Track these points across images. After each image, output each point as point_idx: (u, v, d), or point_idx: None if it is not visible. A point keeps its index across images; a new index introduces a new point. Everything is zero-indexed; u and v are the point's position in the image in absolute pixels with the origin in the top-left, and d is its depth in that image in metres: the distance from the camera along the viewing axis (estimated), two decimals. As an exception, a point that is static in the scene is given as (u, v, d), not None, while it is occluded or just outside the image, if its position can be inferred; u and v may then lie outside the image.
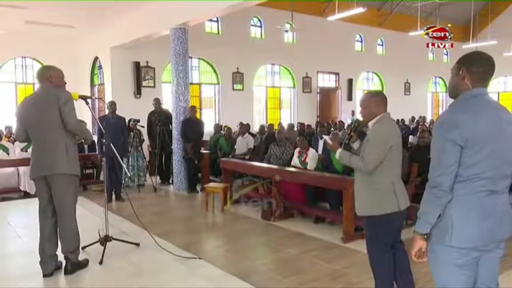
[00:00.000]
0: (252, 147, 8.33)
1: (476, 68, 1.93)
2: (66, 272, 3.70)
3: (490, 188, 1.87)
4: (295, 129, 11.43)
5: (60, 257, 3.77)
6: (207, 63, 12.85)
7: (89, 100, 4.01)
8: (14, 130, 8.73)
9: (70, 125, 3.58)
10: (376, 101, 2.91)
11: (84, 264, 3.86)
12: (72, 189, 3.70)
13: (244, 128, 8.68)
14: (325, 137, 3.37)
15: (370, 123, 2.94)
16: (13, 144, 7.99)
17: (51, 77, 3.68)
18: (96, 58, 11.94)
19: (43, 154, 3.61)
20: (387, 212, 2.83)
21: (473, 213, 1.86)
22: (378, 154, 2.78)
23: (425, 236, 1.97)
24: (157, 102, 8.53)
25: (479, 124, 1.83)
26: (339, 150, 3.03)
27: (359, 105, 3.08)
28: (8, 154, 7.71)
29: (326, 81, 16.03)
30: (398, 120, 13.12)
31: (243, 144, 8.32)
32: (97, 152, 7.49)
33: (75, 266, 3.74)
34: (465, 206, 1.87)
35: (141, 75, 11.25)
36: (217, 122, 12.32)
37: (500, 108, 1.96)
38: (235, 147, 8.35)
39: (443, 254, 1.92)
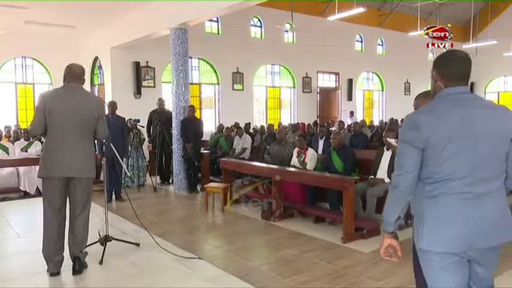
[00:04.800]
0: (247, 147, 8.34)
1: (448, 69, 1.88)
2: (75, 272, 3.67)
3: (465, 190, 1.77)
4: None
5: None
6: (207, 63, 12.85)
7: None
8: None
9: (101, 135, 3.78)
10: (429, 101, 2.77)
11: (85, 264, 3.86)
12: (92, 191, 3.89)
13: (241, 130, 8.66)
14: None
15: None
16: (13, 144, 7.99)
17: (85, 80, 3.82)
18: (96, 58, 11.94)
19: (69, 154, 3.54)
20: None
21: (446, 216, 1.78)
22: None
23: (393, 235, 1.93)
24: (161, 102, 8.53)
25: (444, 124, 1.77)
26: None
27: (413, 108, 2.75)
28: (8, 154, 7.71)
29: (326, 81, 16.04)
30: (397, 120, 13.11)
31: (240, 144, 8.35)
32: (97, 152, 7.48)
33: (82, 265, 3.75)
34: (437, 208, 1.80)
35: (141, 75, 11.26)
36: (217, 122, 12.36)
37: (473, 105, 1.83)
38: (234, 147, 8.37)
39: (424, 256, 1.88)
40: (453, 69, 1.88)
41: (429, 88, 2.07)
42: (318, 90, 15.48)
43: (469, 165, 1.77)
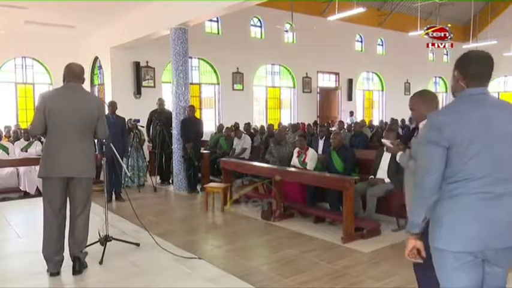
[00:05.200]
0: (247, 147, 8.34)
1: (470, 69, 1.88)
2: (75, 272, 3.67)
3: (485, 190, 1.78)
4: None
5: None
6: (207, 63, 12.85)
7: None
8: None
9: (101, 135, 3.78)
10: (424, 101, 2.61)
11: (85, 264, 3.86)
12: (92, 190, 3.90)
13: (239, 132, 8.66)
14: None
15: (421, 125, 2.79)
16: (13, 144, 7.99)
17: (85, 79, 3.82)
18: (96, 58, 11.94)
19: (69, 154, 3.54)
20: None
21: (464, 216, 1.79)
22: None
23: (417, 236, 1.94)
24: (161, 102, 8.54)
25: (465, 124, 1.79)
26: (400, 153, 3.01)
27: (409, 109, 2.68)
28: (8, 154, 7.71)
29: (326, 81, 16.04)
30: (397, 120, 13.11)
31: (240, 144, 8.34)
32: (97, 152, 7.49)
33: (82, 265, 3.75)
34: (456, 208, 1.82)
35: (141, 75, 11.26)
36: (217, 122, 12.37)
37: (489, 105, 1.85)
38: (233, 147, 8.36)
39: (439, 255, 1.88)
40: (474, 69, 1.88)
41: (428, 87, 2.07)
42: (318, 90, 15.49)
43: (489, 165, 1.79)
